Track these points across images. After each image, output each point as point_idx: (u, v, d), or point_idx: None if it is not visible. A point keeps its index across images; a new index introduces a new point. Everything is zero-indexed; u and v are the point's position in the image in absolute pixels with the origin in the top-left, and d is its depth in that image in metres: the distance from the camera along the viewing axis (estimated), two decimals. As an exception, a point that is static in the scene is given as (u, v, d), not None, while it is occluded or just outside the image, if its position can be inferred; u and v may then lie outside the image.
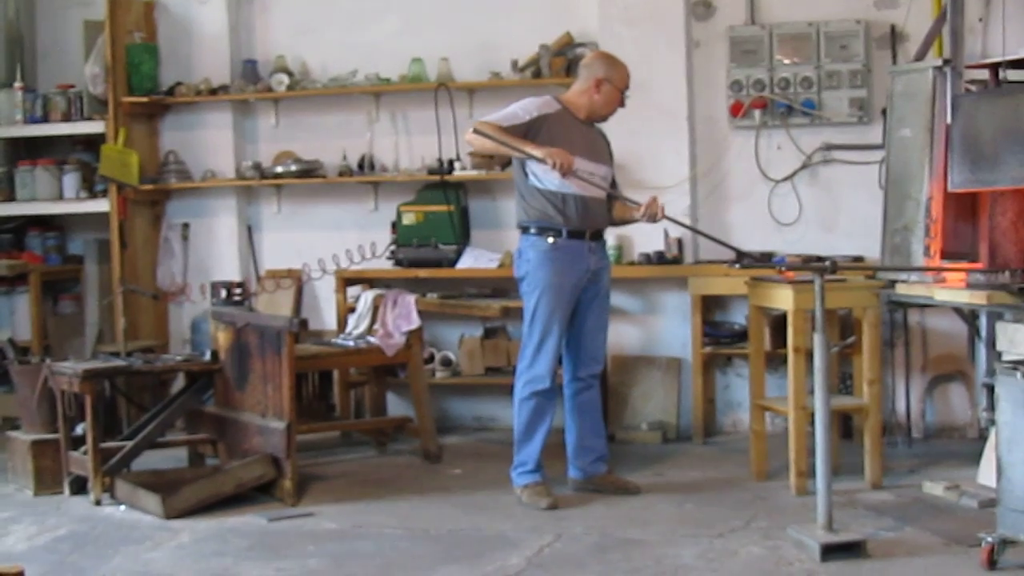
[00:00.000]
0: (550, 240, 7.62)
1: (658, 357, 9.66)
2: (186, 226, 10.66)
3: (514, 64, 9.77)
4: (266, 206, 10.61)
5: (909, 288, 7.84)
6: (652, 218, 7.75)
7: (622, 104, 7.82)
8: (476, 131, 7.57)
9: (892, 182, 8.19)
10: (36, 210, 10.74)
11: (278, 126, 10.52)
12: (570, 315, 7.75)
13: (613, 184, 7.92)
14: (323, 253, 9.72)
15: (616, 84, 7.74)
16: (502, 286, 9.58)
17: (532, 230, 7.68)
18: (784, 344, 7.87)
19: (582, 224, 7.66)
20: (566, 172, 7.42)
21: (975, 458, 7.74)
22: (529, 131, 7.57)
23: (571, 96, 7.83)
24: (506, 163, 9.16)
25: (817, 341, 6.56)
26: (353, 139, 10.23)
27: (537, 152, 7.44)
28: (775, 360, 8.92)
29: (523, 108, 7.66)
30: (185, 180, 10.49)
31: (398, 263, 9.93)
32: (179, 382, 9.28)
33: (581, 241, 7.68)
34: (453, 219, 9.80)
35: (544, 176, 7.58)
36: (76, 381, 7.88)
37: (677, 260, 9.44)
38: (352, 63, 10.20)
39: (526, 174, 7.66)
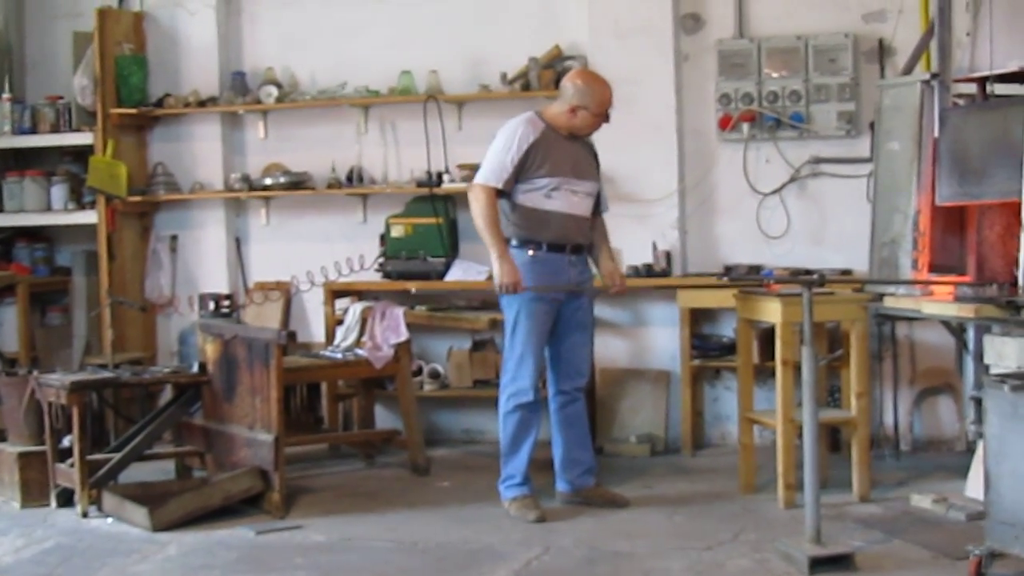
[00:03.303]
0: (530, 253, 7.63)
1: (647, 370, 9.66)
2: (174, 238, 10.65)
3: (503, 77, 9.78)
4: (254, 218, 10.61)
5: (897, 301, 7.85)
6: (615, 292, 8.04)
7: (606, 120, 7.80)
8: (474, 196, 7.64)
9: (880, 195, 8.20)
10: (24, 221, 10.74)
11: (267, 138, 10.52)
12: (551, 328, 7.76)
13: (598, 198, 7.92)
14: (311, 265, 9.72)
15: (592, 110, 7.69)
16: (490, 299, 9.54)
17: (513, 242, 7.68)
18: (772, 357, 7.87)
19: (563, 238, 7.68)
20: (508, 292, 7.56)
21: (963, 471, 7.75)
22: (522, 166, 7.59)
23: (552, 114, 7.79)
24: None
25: (805, 354, 6.56)
26: (342, 151, 10.23)
27: (496, 264, 7.53)
28: (763, 373, 8.92)
29: (510, 144, 7.62)
30: (173, 192, 10.48)
31: (387, 275, 9.93)
32: (167, 394, 9.27)
33: (561, 254, 7.69)
34: (442, 231, 9.80)
35: (528, 195, 7.61)
36: (63, 393, 7.87)
37: (666, 273, 9.44)
38: (341, 75, 10.21)
39: (514, 204, 7.69)
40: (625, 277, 8.03)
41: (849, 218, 9.18)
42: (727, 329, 9.46)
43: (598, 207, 7.94)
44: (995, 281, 7.45)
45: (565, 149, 7.72)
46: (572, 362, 7.90)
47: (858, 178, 9.14)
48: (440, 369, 9.94)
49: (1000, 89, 7.80)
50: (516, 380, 7.71)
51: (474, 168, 7.94)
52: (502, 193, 7.63)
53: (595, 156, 7.95)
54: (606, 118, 7.77)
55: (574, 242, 7.75)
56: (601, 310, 8.91)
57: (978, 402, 7.31)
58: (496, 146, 7.70)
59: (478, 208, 7.59)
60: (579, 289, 7.79)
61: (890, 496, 7.87)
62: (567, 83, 7.82)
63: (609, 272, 7.98)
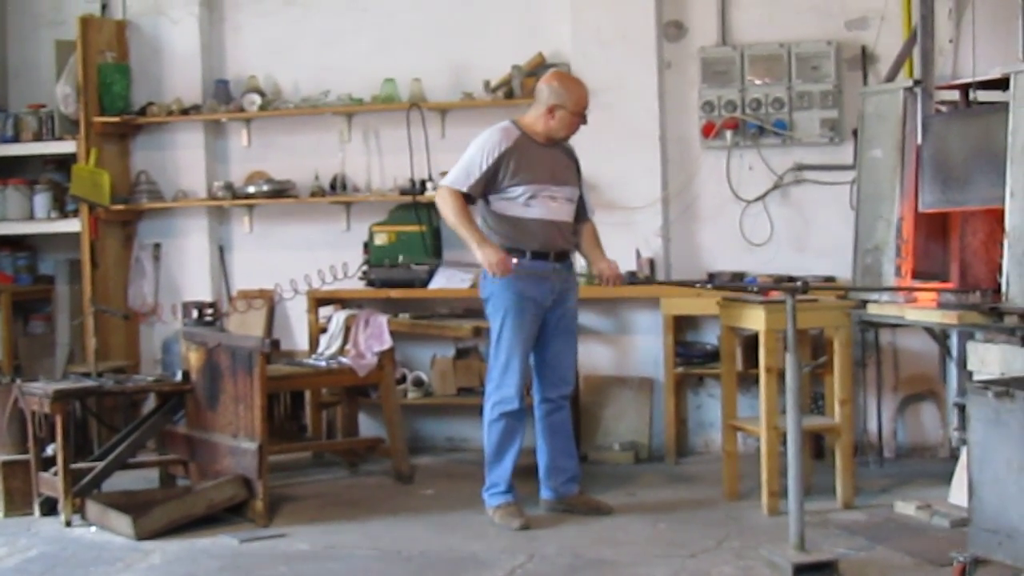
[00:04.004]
0: (514, 262, 7.62)
1: (630, 377, 9.66)
2: (157, 246, 10.64)
3: (486, 84, 9.78)
4: (238, 226, 10.60)
5: (880, 308, 7.87)
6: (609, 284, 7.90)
7: (584, 122, 7.79)
8: (440, 198, 7.66)
9: (863, 202, 8.22)
10: (7, 230, 10.69)
11: (250, 146, 10.51)
12: (536, 336, 7.75)
13: (581, 202, 7.91)
14: (295, 273, 9.63)
15: (570, 109, 7.67)
16: (474, 306, 9.53)
17: (497, 251, 7.69)
18: (756, 364, 7.87)
19: (546, 246, 7.66)
20: (499, 275, 7.51)
21: (946, 478, 7.76)
22: (494, 175, 7.59)
23: (529, 121, 7.78)
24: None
25: (789, 361, 6.56)
26: (325, 159, 10.22)
27: (478, 252, 7.49)
28: (747, 380, 8.93)
29: (482, 152, 7.62)
30: (157, 200, 10.46)
31: (370, 283, 9.92)
32: (150, 403, 9.24)
33: (545, 262, 7.67)
34: (425, 239, 9.80)
35: (507, 204, 7.61)
36: (47, 402, 7.84)
37: (649, 280, 9.44)
38: (324, 83, 10.20)
39: (487, 200, 7.68)
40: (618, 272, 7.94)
41: (832, 225, 9.20)
42: (711, 336, 9.47)
43: (582, 213, 7.93)
44: (978, 288, 7.48)
45: (542, 156, 7.71)
46: (557, 370, 7.89)
47: (841, 185, 9.15)
48: (424, 377, 9.94)
49: (983, 96, 7.83)
50: (501, 388, 7.70)
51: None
52: (471, 199, 7.65)
53: (575, 161, 7.93)
54: (583, 119, 7.77)
55: (557, 249, 7.73)
56: (585, 317, 8.91)
57: (961, 409, 7.34)
58: (468, 153, 7.70)
59: (446, 207, 7.61)
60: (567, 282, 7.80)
61: (874, 503, 7.88)
62: (542, 85, 7.80)
63: (601, 269, 7.89)
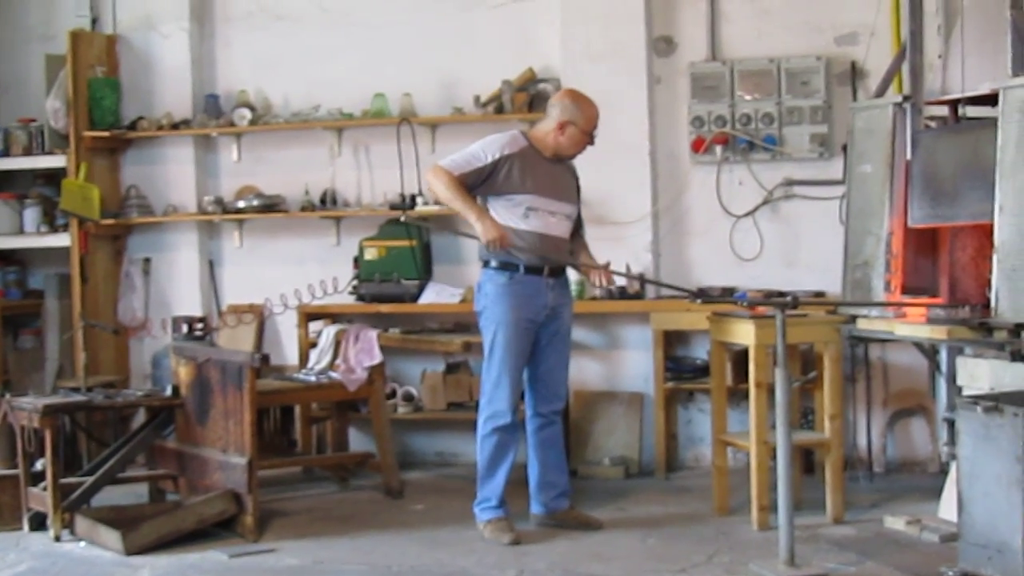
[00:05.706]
0: (508, 275, 7.62)
1: (620, 392, 9.66)
2: (147, 261, 10.63)
3: (476, 99, 9.79)
4: (228, 241, 10.59)
5: (870, 323, 7.87)
6: (601, 286, 7.87)
7: (591, 143, 7.80)
8: (433, 174, 7.61)
9: (853, 217, 8.23)
10: (-4, 244, 10.71)
11: (240, 160, 10.51)
12: (529, 350, 7.74)
13: (579, 221, 7.93)
14: (285, 288, 9.69)
15: (581, 127, 7.70)
16: (464, 321, 9.57)
17: (491, 264, 7.68)
18: (746, 379, 7.88)
19: (541, 260, 7.65)
20: (498, 248, 7.47)
21: (936, 492, 7.76)
22: (493, 172, 7.57)
23: (538, 134, 7.81)
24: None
25: (778, 376, 6.57)
26: (315, 174, 10.22)
27: (477, 224, 7.47)
28: (737, 395, 8.93)
29: (484, 148, 7.65)
30: (146, 215, 10.46)
31: (360, 298, 9.92)
32: (140, 417, 9.24)
33: (539, 277, 7.66)
34: (415, 254, 9.79)
35: (504, 212, 7.59)
36: (36, 416, 7.83)
37: (639, 295, 9.46)
38: (314, 98, 10.21)
39: (486, 209, 7.66)
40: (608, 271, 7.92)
41: (822, 240, 9.20)
42: (700, 351, 9.47)
43: (577, 229, 7.94)
44: (967, 303, 7.48)
45: (546, 169, 7.72)
46: (550, 385, 7.88)
47: (831, 200, 9.16)
48: (414, 392, 9.93)
49: (972, 112, 7.83)
50: (493, 402, 7.69)
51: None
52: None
53: (576, 179, 7.95)
54: (591, 140, 7.78)
55: (552, 263, 7.73)
56: (575, 332, 8.89)
57: (951, 424, 7.33)
58: (472, 146, 7.71)
59: (439, 182, 7.56)
60: (571, 263, 7.81)
61: (864, 518, 7.88)
62: (555, 101, 7.84)
63: (590, 269, 7.89)
